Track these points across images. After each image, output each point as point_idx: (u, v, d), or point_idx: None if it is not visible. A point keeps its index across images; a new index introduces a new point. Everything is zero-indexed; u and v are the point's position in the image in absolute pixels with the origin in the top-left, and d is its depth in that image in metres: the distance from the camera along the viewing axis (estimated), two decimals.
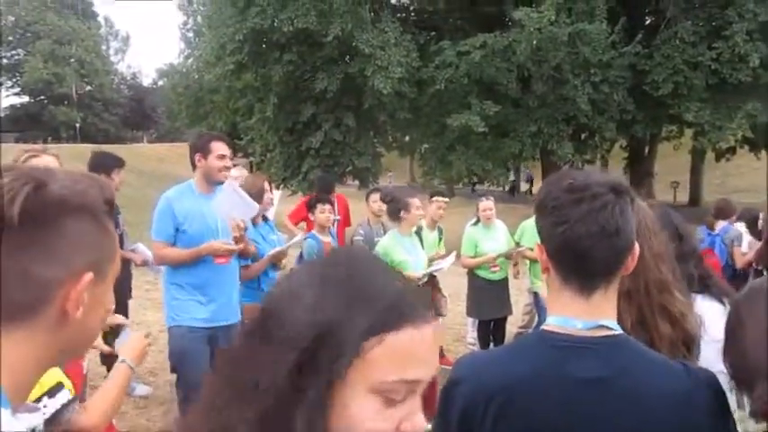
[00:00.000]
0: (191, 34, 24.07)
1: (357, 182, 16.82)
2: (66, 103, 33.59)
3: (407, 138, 17.21)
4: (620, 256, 0.90)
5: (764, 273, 4.37)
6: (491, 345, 4.84)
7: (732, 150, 13.83)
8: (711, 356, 1.19)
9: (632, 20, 12.53)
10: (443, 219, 5.02)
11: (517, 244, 5.00)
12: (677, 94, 11.61)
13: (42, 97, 35.23)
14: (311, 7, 13.80)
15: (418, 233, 4.46)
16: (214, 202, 2.92)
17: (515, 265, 5.29)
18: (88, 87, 34.22)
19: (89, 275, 0.62)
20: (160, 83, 32.17)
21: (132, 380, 3.85)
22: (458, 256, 4.66)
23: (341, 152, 16.37)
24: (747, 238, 5.09)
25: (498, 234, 4.88)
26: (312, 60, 15.87)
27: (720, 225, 5.17)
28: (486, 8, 14.50)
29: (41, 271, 0.59)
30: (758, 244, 5.02)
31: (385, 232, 4.32)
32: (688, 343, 1.15)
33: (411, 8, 17.09)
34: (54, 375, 1.14)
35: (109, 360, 3.26)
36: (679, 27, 11.58)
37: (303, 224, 5.20)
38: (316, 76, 15.72)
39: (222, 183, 2.95)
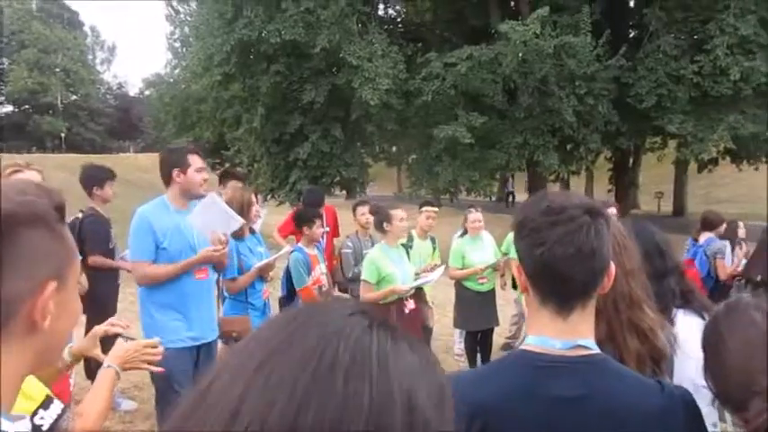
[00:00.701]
0: (178, 44, 24.06)
1: (344, 192, 16.84)
2: (51, 112, 33.21)
3: (394, 149, 17.28)
4: (596, 278, 0.92)
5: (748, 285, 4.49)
6: (478, 356, 4.85)
7: (714, 161, 14.04)
8: (690, 372, 1.21)
9: (616, 33, 12.71)
10: (432, 229, 5.03)
11: (504, 255, 4.98)
12: (661, 107, 11.76)
13: (27, 107, 34.51)
14: (299, 19, 13.80)
15: (409, 244, 4.51)
16: (191, 216, 2.82)
17: (502, 275, 5.27)
18: (74, 97, 33.97)
19: (52, 285, 0.64)
20: (147, 93, 32.06)
21: (117, 395, 3.79)
22: (446, 267, 4.68)
23: (328, 163, 16.38)
24: (729, 250, 5.07)
25: (485, 245, 4.87)
26: (299, 72, 15.94)
27: (705, 236, 5.15)
28: (473, 21, 14.64)
29: (6, 287, 0.60)
30: (742, 255, 5.09)
31: (373, 244, 4.32)
32: (657, 359, 1.16)
33: (398, 20, 17.25)
34: (41, 389, 1.16)
35: (94, 374, 3.18)
36: (662, 40, 11.76)
37: (292, 237, 5.16)
38: (303, 87, 15.77)
39: (201, 197, 2.84)
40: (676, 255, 1.67)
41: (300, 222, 4.03)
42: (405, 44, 15.02)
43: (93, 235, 3.91)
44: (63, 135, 32.00)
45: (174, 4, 24.19)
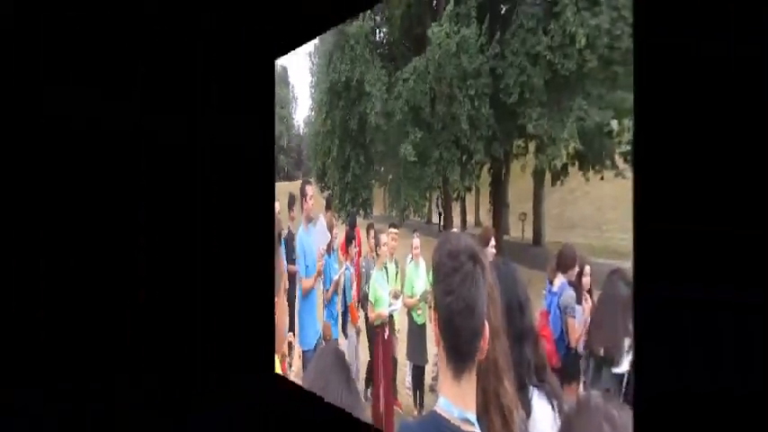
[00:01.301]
0: (313, 91, 29.42)
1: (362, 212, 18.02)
2: (281, 151, 46.77)
3: (382, 169, 17.06)
4: (476, 337, 0.84)
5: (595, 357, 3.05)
6: (417, 393, 4.57)
7: (564, 170, 8.09)
8: None
9: (494, 13, 9.79)
10: (396, 251, 4.85)
11: (432, 285, 4.79)
12: (523, 99, 8.57)
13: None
14: (349, 56, 16.04)
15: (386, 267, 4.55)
16: (313, 237, 3.46)
17: (430, 308, 5.03)
18: (285, 139, 46.84)
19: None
20: (305, 131, 40.44)
21: None
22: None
23: (357, 185, 17.96)
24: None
25: (421, 273, 4.52)
26: (348, 104, 18.23)
27: (559, 280, 3.59)
28: (417, 30, 13.61)
29: None
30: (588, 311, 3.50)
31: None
32: None
33: (384, 41, 17.32)
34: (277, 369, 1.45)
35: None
36: (518, 10, 8.60)
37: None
38: (349, 117, 18.03)
39: (312, 219, 3.47)
40: (534, 309, 1.28)
41: (346, 243, 4.58)
42: (387, 64, 15.16)
43: (287, 249, 4.65)
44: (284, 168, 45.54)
45: (312, 58, 30.33)
